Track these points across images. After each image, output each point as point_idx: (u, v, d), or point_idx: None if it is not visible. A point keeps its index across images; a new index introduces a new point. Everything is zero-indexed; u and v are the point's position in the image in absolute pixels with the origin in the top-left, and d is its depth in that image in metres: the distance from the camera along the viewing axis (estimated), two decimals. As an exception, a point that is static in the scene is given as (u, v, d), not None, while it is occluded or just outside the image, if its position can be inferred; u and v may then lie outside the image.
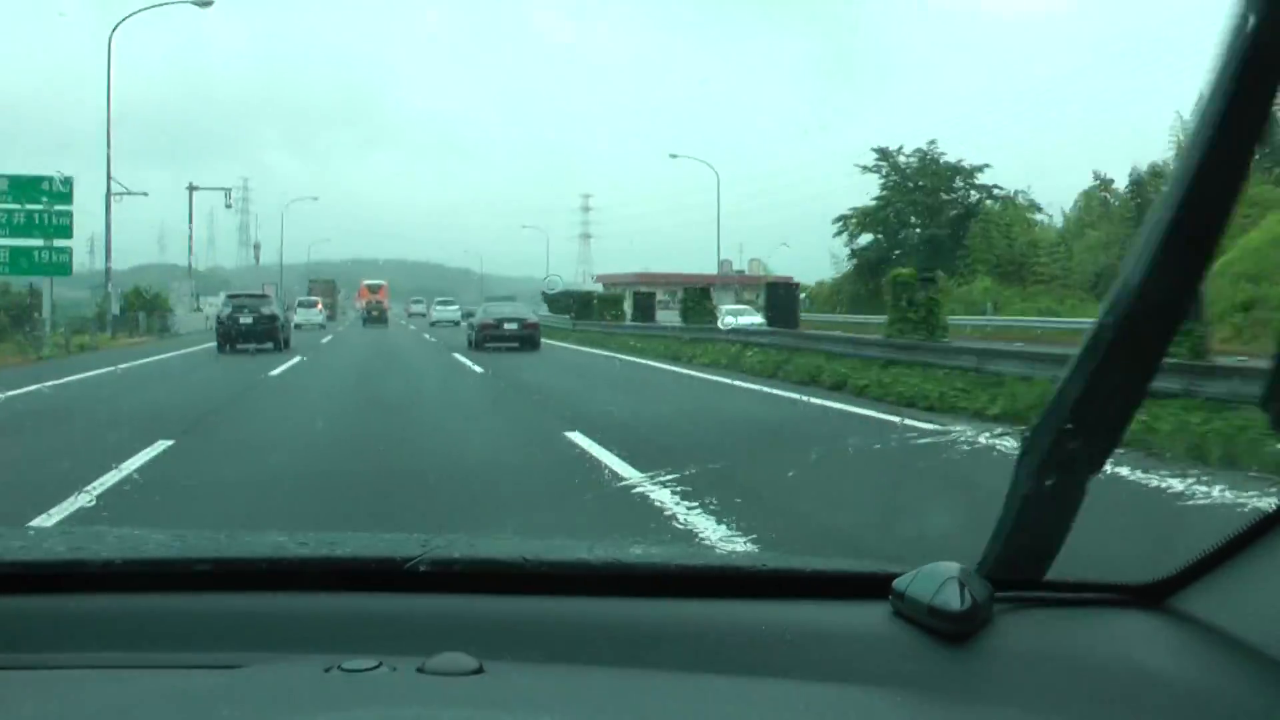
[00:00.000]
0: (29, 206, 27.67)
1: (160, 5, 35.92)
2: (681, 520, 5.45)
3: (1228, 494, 6.06)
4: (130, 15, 35.67)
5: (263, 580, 1.39)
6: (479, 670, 1.16)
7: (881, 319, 24.30)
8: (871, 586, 1.36)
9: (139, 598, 1.36)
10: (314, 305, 43.16)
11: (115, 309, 36.75)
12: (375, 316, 48.12)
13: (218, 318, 25.28)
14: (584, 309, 43.71)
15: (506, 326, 24.41)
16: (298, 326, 37.45)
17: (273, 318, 24.42)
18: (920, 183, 55.10)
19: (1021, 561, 1.30)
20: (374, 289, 57.40)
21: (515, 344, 24.03)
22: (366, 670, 1.16)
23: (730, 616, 1.34)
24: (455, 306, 49.44)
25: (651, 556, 1.47)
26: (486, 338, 24.18)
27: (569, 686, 1.20)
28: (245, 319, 24.04)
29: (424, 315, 56.97)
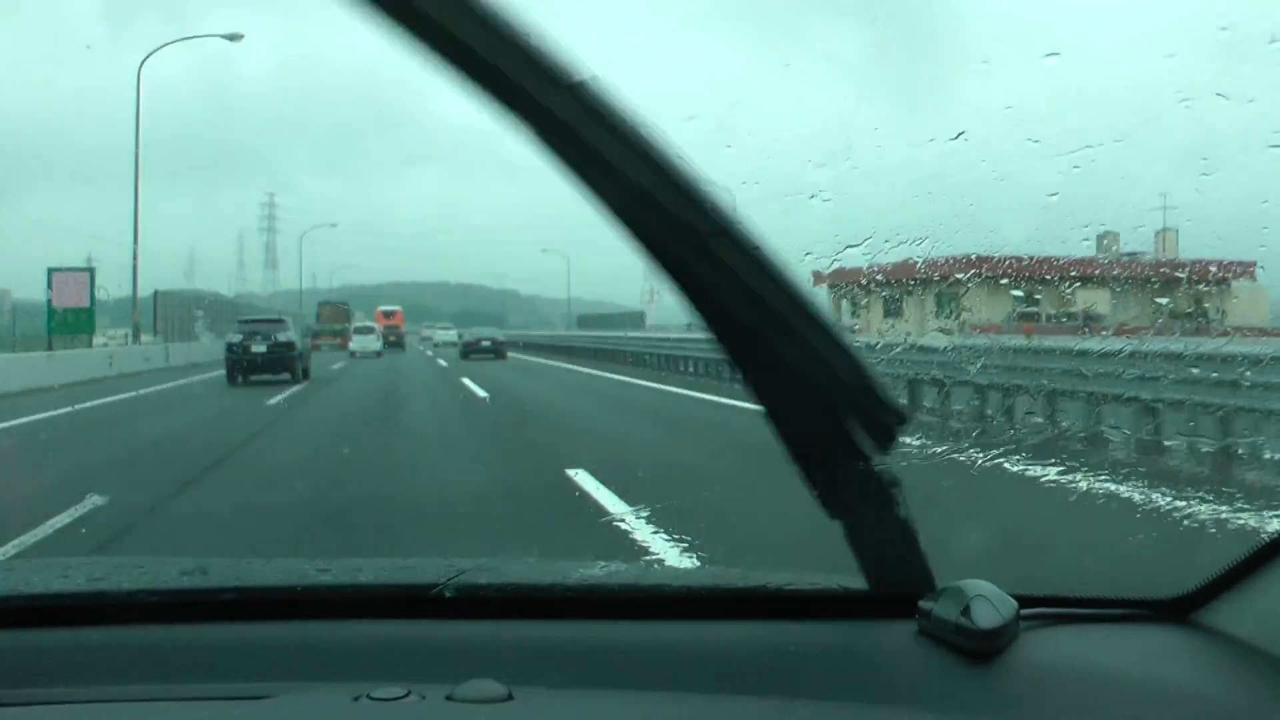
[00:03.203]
0: None
1: (188, 38, 36.06)
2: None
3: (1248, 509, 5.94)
4: (159, 47, 35.64)
5: (289, 609, 1.39)
6: (509, 697, 1.15)
7: None
8: (897, 605, 1.36)
9: (163, 629, 1.36)
10: (371, 332, 43.03)
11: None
12: (392, 341, 47.90)
13: (228, 345, 24.19)
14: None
15: (483, 344, 37.35)
16: (352, 354, 39.08)
17: (288, 345, 22.83)
18: None
19: (1046, 578, 1.29)
20: (389, 314, 57.80)
21: (490, 355, 36.05)
22: (396, 699, 1.16)
23: (759, 637, 1.34)
24: (454, 331, 59.49)
25: (679, 578, 1.47)
26: (469, 350, 37.04)
27: (601, 712, 1.20)
28: (257, 348, 22.45)
29: (431, 339, 62.89)
